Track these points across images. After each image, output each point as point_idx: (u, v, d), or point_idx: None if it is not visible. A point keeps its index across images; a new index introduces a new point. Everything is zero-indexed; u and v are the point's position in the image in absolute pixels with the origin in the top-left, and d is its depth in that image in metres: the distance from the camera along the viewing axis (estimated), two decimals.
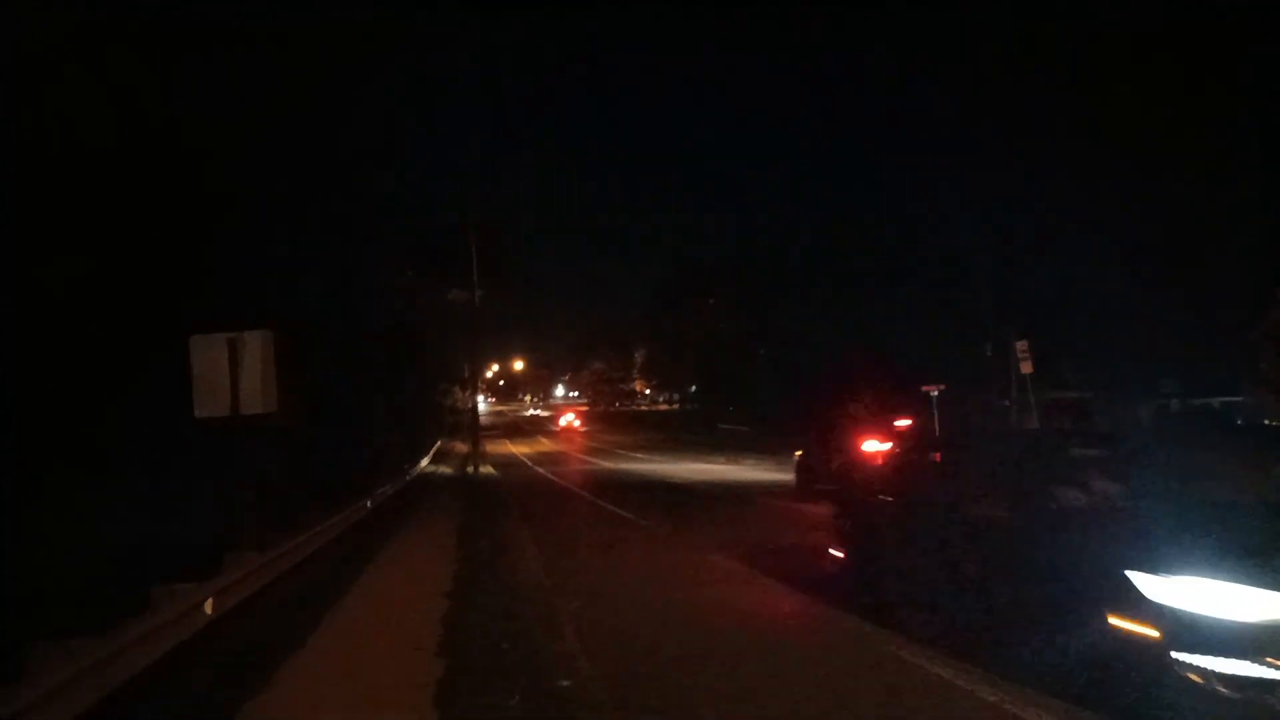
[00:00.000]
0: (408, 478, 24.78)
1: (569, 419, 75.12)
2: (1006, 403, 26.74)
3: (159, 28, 11.79)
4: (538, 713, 5.62)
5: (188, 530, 9.32)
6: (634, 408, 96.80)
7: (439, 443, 43.91)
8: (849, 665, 6.48)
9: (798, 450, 21.57)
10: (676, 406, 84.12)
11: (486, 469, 34.89)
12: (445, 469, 35.64)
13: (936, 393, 25.96)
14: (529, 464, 40.70)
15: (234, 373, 8.48)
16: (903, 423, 20.38)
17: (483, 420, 53.19)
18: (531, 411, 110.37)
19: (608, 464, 38.05)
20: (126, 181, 11.27)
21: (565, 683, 6.13)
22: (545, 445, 57.41)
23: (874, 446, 18.03)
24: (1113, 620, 5.01)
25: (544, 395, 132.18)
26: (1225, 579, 4.71)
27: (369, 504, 16.05)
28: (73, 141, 10.59)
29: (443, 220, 35.08)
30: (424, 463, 33.07)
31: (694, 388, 76.68)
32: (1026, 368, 21.10)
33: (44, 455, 9.42)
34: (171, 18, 11.89)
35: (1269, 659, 4.45)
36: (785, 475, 22.85)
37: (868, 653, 6.77)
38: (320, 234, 17.63)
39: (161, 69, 11.88)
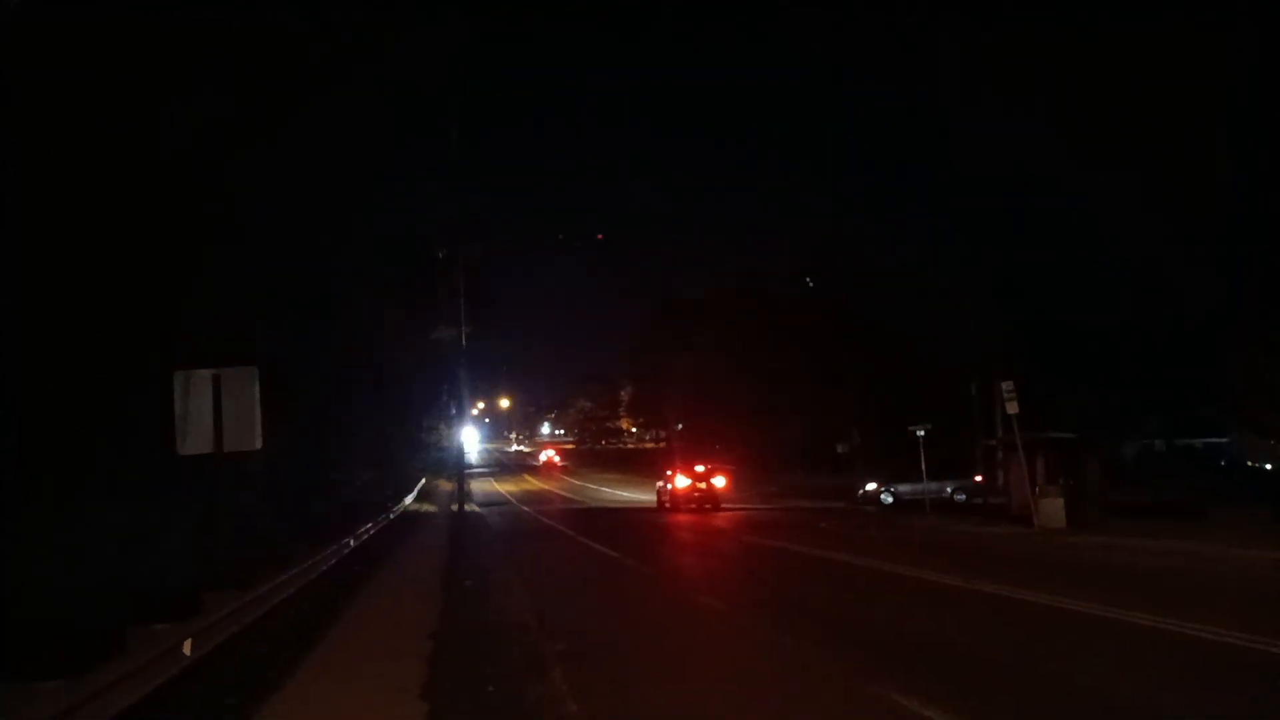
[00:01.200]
0: (392, 515, 24.46)
1: (549, 455, 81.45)
2: (993, 442, 26.78)
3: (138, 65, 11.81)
4: None
5: (167, 568, 9.12)
6: (621, 445, 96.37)
7: (423, 480, 43.46)
8: (835, 713, 6.39)
9: (659, 483, 34.74)
10: (663, 444, 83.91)
11: (471, 507, 34.55)
12: (430, 507, 35.26)
13: (922, 433, 26.04)
14: (514, 502, 40.40)
15: (218, 409, 8.37)
16: (700, 468, 32.66)
17: (468, 458, 53.14)
18: (516, 448, 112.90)
19: (592, 503, 37.82)
20: (107, 207, 11.22)
21: None
22: (530, 484, 57.12)
23: (682, 481, 31.91)
24: None
25: (530, 433, 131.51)
26: None
27: (352, 542, 15.80)
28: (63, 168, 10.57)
29: (429, 258, 35.12)
30: (408, 500, 32.69)
31: (680, 425, 76.54)
32: (1012, 408, 21.17)
33: (10, 490, 9.23)
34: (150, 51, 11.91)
35: None
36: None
37: (853, 701, 6.68)
38: (307, 272, 17.60)
39: (146, 97, 11.87)
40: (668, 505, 31.72)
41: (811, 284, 54.80)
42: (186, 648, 7.04)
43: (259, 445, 8.69)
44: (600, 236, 77.72)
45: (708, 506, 30.54)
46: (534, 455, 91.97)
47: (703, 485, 31.43)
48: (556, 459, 79.45)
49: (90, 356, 10.71)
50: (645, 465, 65.90)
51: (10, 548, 8.36)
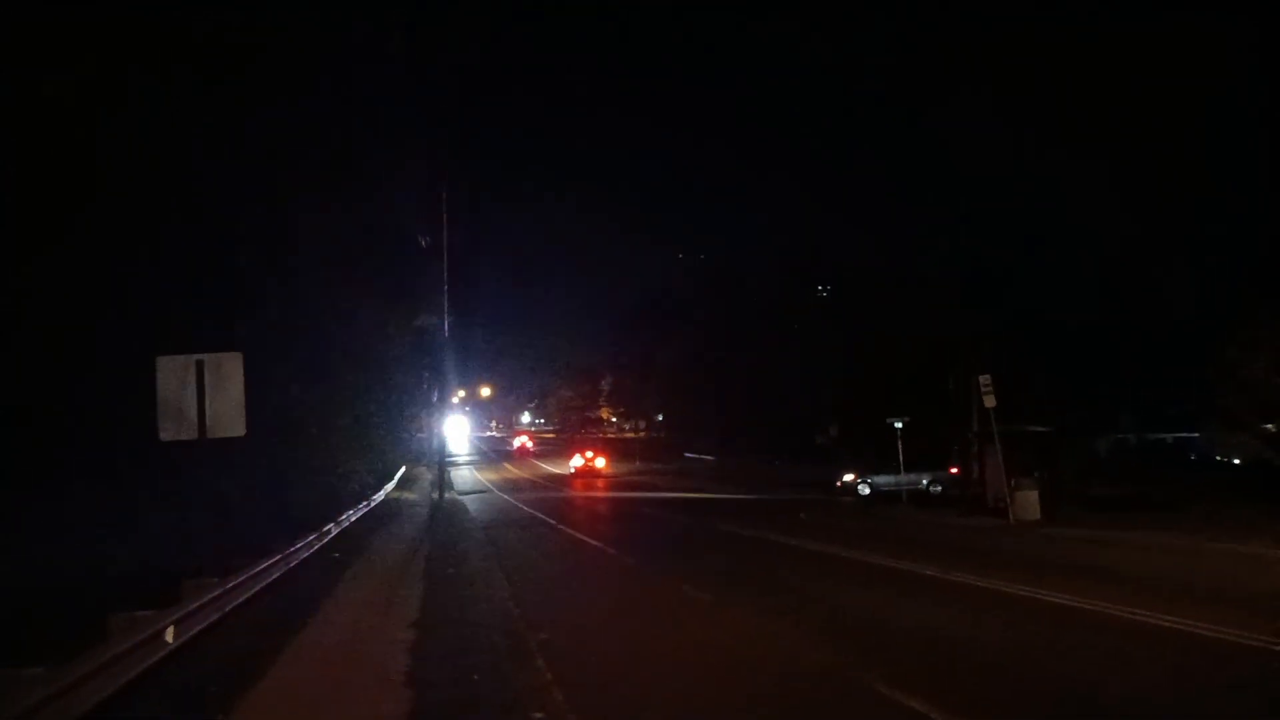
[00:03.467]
0: (373, 503, 24.38)
1: (521, 441, 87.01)
2: (970, 435, 27.06)
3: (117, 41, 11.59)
4: None
5: (147, 556, 9.05)
6: (601, 435, 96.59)
7: (403, 469, 43.31)
8: (817, 701, 6.48)
9: (569, 461, 52.68)
10: (643, 434, 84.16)
11: (452, 494, 34.46)
12: (411, 495, 35.14)
13: (900, 425, 26.26)
14: (494, 490, 40.35)
15: (201, 396, 8.29)
16: (589, 453, 52.08)
17: (452, 446, 53.56)
18: (489, 434, 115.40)
19: (576, 491, 37.86)
20: (88, 190, 11.05)
21: (538, 715, 6.03)
22: (510, 471, 57.08)
23: (579, 460, 50.96)
24: None
25: (510, 421, 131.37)
26: None
27: (333, 529, 15.75)
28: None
29: (412, 246, 34.86)
30: (389, 488, 32.57)
31: (660, 416, 76.80)
32: (989, 401, 21.38)
33: None
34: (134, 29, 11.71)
35: None
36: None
37: (835, 689, 6.77)
38: (288, 259, 17.41)
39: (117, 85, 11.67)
40: (573, 473, 49.74)
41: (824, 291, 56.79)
42: (169, 635, 7.02)
43: (243, 431, 8.61)
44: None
45: (593, 474, 49.05)
46: (509, 441, 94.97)
47: (591, 464, 50.65)
48: (530, 445, 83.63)
49: (67, 343, 10.58)
50: (632, 456, 68.05)
51: None
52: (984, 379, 21.51)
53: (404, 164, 28.32)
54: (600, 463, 50.95)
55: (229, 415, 8.42)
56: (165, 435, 8.42)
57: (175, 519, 10.10)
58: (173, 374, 8.32)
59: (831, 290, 53.81)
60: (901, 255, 43.92)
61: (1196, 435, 42.48)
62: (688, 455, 60.15)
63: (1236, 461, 38.15)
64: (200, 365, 8.35)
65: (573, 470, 50.24)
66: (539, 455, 74.70)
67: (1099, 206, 30.91)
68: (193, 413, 8.26)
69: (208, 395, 8.30)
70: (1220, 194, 27.06)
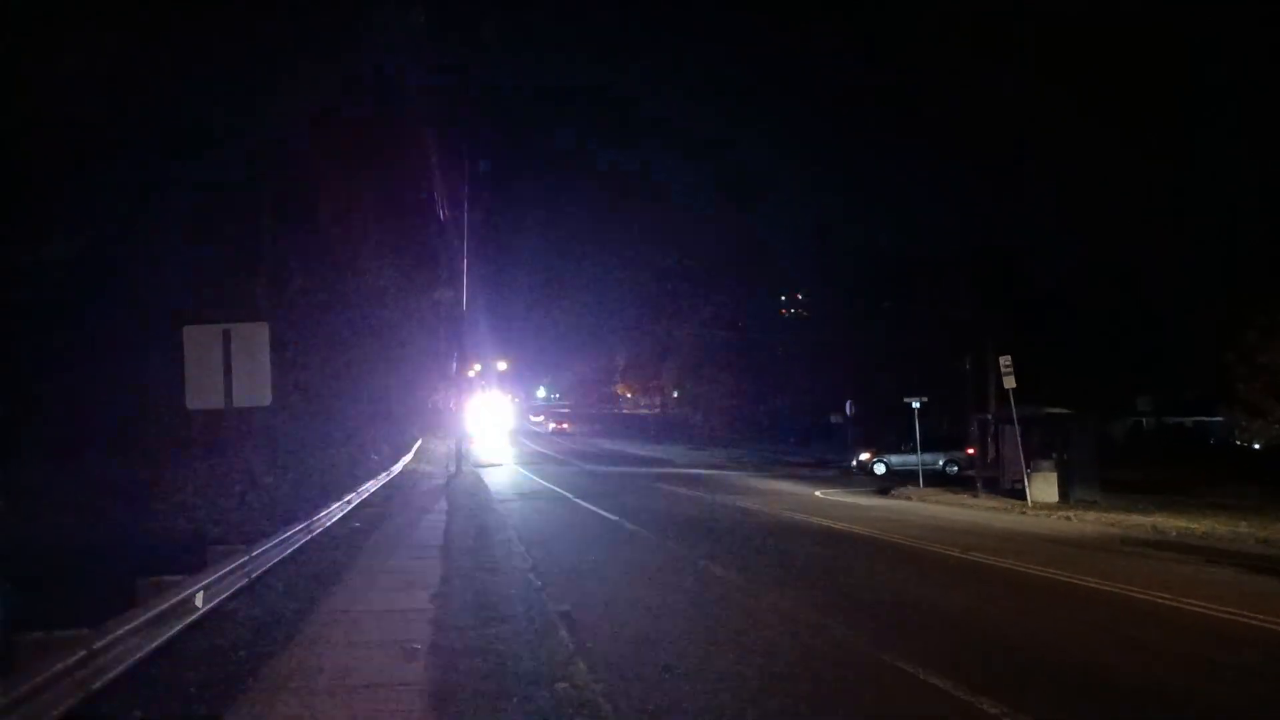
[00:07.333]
0: (392, 474, 24.57)
1: (533, 418, 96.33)
2: (987, 416, 26.93)
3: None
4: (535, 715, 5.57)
5: (174, 523, 9.16)
6: (617, 411, 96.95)
7: (419, 441, 43.56)
8: (839, 678, 6.50)
9: (548, 425, 79.55)
10: (659, 411, 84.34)
11: (468, 467, 34.66)
12: (428, 467, 35.36)
13: (918, 404, 26.15)
14: (510, 463, 40.57)
15: (228, 365, 8.34)
16: (562, 422, 78.44)
17: (465, 418, 53.74)
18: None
19: (589, 465, 38.01)
20: (105, 160, 11.06)
21: (563, 685, 6.08)
22: (525, 445, 57.36)
23: (552, 424, 79.29)
24: None
25: (526, 395, 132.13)
26: None
27: (353, 500, 15.89)
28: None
29: (431, 218, 34.80)
30: (407, 460, 32.78)
31: (676, 393, 76.91)
32: (1009, 382, 21.23)
33: (17, 444, 9.23)
34: None
35: None
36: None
37: (856, 667, 6.79)
38: (309, 231, 17.43)
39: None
40: (550, 432, 71.38)
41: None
42: (197, 600, 7.12)
43: (269, 401, 8.67)
44: None
45: (564, 434, 68.37)
46: (524, 416, 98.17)
47: (560, 427, 73.29)
48: (542, 419, 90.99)
49: (94, 314, 10.66)
50: (610, 425, 79.36)
51: (19, 503, 8.38)
52: (1004, 360, 21.36)
53: (426, 137, 28.20)
54: (566, 426, 73.90)
55: (255, 385, 8.47)
56: (192, 404, 8.49)
57: (202, 487, 10.22)
58: (200, 343, 8.37)
59: (847, 271, 53.48)
60: (917, 238, 43.61)
61: (1218, 419, 42.10)
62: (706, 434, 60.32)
63: (1256, 447, 37.78)
64: (228, 335, 8.40)
65: (550, 430, 72.94)
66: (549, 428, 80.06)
67: (1115, 192, 30.51)
68: (219, 382, 8.32)
69: (234, 365, 8.35)
70: (1240, 177, 26.68)
